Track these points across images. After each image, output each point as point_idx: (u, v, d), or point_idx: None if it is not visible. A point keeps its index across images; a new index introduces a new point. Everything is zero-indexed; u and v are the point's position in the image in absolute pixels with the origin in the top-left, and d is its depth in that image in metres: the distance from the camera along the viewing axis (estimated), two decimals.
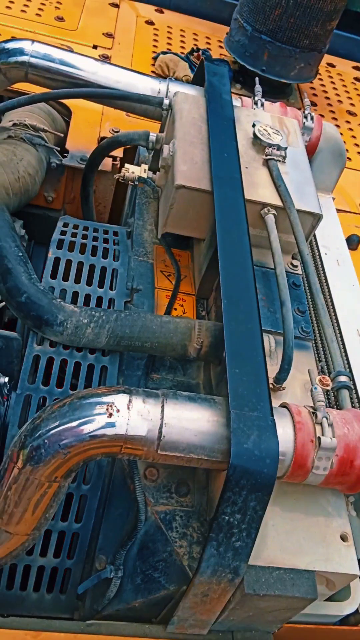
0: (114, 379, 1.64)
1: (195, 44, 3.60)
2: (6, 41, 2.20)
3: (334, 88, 3.74)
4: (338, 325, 1.93)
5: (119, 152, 2.60)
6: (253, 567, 1.28)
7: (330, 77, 3.84)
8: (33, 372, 1.62)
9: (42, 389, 1.57)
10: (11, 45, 2.18)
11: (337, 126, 3.21)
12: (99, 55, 3.18)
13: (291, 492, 1.39)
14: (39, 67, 2.16)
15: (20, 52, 2.17)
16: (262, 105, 2.25)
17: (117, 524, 1.53)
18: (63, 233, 1.99)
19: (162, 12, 3.81)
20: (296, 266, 1.97)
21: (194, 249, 2.09)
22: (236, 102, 2.27)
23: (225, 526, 1.17)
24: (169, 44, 3.52)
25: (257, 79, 2.38)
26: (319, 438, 1.25)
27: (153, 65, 3.26)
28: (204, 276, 1.87)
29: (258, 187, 1.85)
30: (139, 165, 2.32)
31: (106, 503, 1.55)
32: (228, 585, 1.25)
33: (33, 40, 2.19)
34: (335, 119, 3.47)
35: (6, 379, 1.65)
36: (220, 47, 3.65)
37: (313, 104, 3.54)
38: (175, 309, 1.90)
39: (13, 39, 2.22)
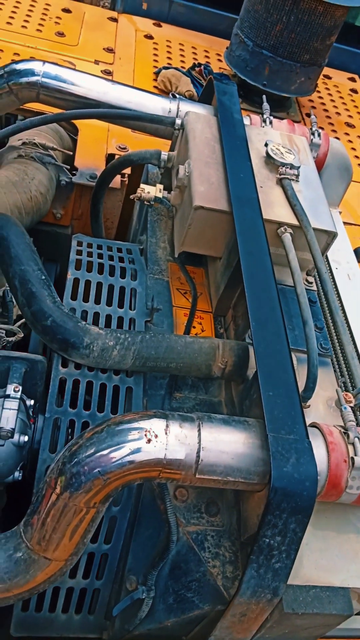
0: (140, 400, 1.66)
1: (194, 58, 3.64)
2: (17, 62, 2.22)
3: (332, 100, 3.79)
4: (353, 341, 1.97)
5: (127, 169, 2.62)
6: (290, 586, 1.30)
7: (327, 89, 3.90)
8: (60, 394, 1.63)
9: (70, 412, 1.59)
10: (22, 66, 2.20)
11: (337, 138, 3.27)
12: (101, 71, 3.20)
13: (322, 510, 1.42)
14: (51, 88, 2.17)
15: (32, 72, 2.18)
16: (271, 122, 2.29)
17: (147, 545, 1.54)
18: (79, 253, 2.00)
19: (160, 25, 3.85)
20: (311, 282, 2.01)
21: (209, 266, 2.12)
22: (245, 120, 2.30)
23: (265, 548, 1.20)
24: (169, 57, 3.56)
25: (264, 96, 2.42)
26: (352, 458, 1.28)
27: (155, 80, 3.28)
28: (222, 294, 1.90)
29: (274, 206, 1.88)
30: (147, 182, 2.35)
31: (135, 523, 1.56)
32: (266, 605, 1.28)
33: (44, 61, 2.21)
34: (334, 131, 3.52)
35: (32, 402, 1.66)
36: (219, 60, 3.70)
37: (308, 115, 3.59)
38: (194, 327, 1.92)
39: (24, 60, 2.23)
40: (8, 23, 3.33)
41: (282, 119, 2.55)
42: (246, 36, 3.13)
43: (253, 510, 1.36)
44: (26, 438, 1.58)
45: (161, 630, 1.55)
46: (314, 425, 1.39)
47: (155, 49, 3.62)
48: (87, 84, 2.20)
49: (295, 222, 1.86)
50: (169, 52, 3.63)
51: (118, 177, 2.55)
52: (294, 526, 1.18)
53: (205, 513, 1.51)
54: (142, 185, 2.04)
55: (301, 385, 1.58)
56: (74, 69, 2.27)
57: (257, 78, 3.16)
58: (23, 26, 3.36)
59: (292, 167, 1.98)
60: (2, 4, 3.47)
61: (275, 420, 1.24)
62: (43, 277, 1.69)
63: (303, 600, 1.29)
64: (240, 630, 1.37)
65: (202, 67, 3.25)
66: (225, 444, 1.26)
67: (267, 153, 2.01)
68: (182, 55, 3.65)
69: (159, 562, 1.50)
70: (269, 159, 2.01)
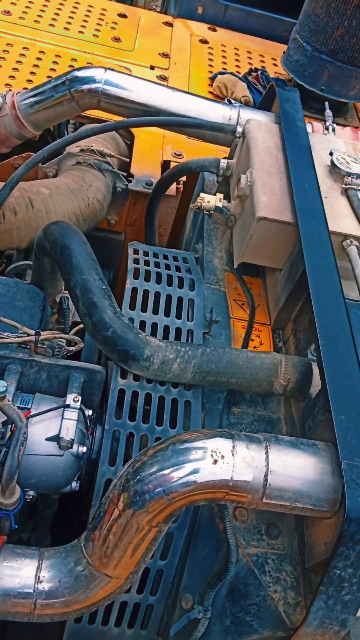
0: (198, 414, 1.63)
1: (249, 62, 3.60)
2: (78, 69, 2.23)
3: None
4: None
5: (183, 177, 2.59)
6: (358, 618, 1.25)
7: None
8: (118, 406, 1.61)
9: (129, 424, 1.57)
10: (84, 73, 2.20)
11: None
12: (157, 77, 3.19)
13: None
14: (112, 95, 2.17)
15: (93, 80, 2.18)
16: (334, 130, 2.23)
17: (203, 563, 1.51)
18: (136, 261, 1.99)
19: (214, 30, 3.82)
20: None
21: (267, 278, 2.08)
22: (307, 127, 2.25)
23: (336, 580, 1.15)
24: (224, 62, 3.52)
25: (326, 103, 2.36)
26: None
27: (210, 85, 3.26)
28: (282, 307, 1.85)
29: (339, 217, 1.82)
30: (203, 190, 2.32)
31: (192, 541, 1.53)
32: (333, 637, 1.23)
33: (106, 68, 2.21)
34: None
35: (90, 412, 1.65)
36: (275, 64, 3.64)
37: None
38: (252, 340, 1.88)
39: (85, 67, 2.23)
40: (65, 29, 3.37)
41: (340, 124, 2.48)
42: (305, 40, 3.06)
43: (319, 537, 1.31)
44: (84, 449, 1.57)
45: None
46: None
47: (210, 53, 3.59)
48: (147, 92, 2.19)
49: None
50: (224, 56, 3.59)
51: (174, 185, 2.53)
52: None
53: (266, 535, 1.46)
54: (201, 194, 2.01)
55: None
56: (134, 76, 2.26)
57: (315, 83, 3.10)
58: (80, 32, 3.39)
59: (358, 176, 1.92)
60: (59, 9, 3.50)
61: (349, 446, 1.19)
62: (104, 287, 1.68)
63: None
64: None
65: (259, 72, 3.20)
66: (294, 468, 1.22)
67: (331, 162, 1.96)
68: (237, 59, 3.61)
69: (216, 582, 1.46)
70: (333, 168, 1.95)
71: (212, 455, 1.22)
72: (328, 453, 1.25)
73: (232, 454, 1.22)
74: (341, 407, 1.26)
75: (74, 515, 2.13)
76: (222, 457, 1.22)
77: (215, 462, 1.21)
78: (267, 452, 1.23)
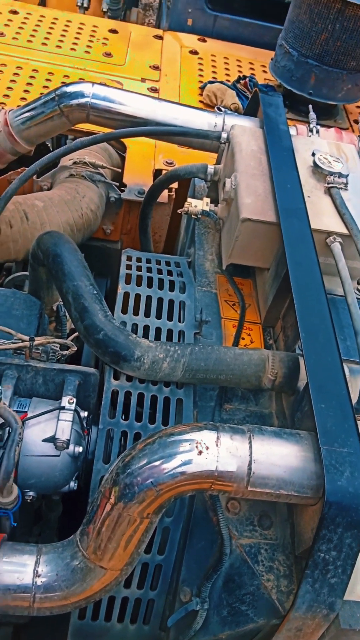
0: (190, 411, 1.68)
1: (239, 70, 3.67)
2: (67, 84, 2.30)
3: None
4: None
5: (174, 184, 2.66)
6: (347, 602, 1.28)
7: None
8: (112, 406, 1.66)
9: (122, 423, 1.62)
10: (72, 88, 2.28)
11: None
12: (148, 89, 3.27)
13: None
14: (100, 109, 2.24)
15: (81, 94, 2.26)
16: (318, 132, 2.28)
17: (200, 556, 1.55)
18: (129, 267, 2.05)
19: (204, 40, 3.90)
20: None
21: (256, 278, 2.12)
22: (291, 130, 2.30)
23: (320, 563, 1.18)
24: (214, 72, 3.60)
25: (310, 106, 2.41)
26: None
27: (201, 94, 3.33)
28: (270, 305, 1.90)
29: (322, 215, 1.87)
30: (194, 196, 2.38)
31: (188, 535, 1.57)
32: (322, 621, 1.26)
33: (93, 83, 2.28)
34: None
35: (85, 413, 1.71)
36: (264, 71, 3.70)
37: (356, 122, 3.54)
38: (243, 339, 1.92)
39: (74, 82, 2.31)
40: (58, 47, 3.46)
41: (330, 126, 2.53)
42: (291, 46, 3.13)
43: (307, 524, 1.34)
44: (80, 449, 1.62)
45: None
46: None
47: (200, 64, 3.67)
48: (134, 103, 2.26)
49: (344, 231, 1.84)
50: (213, 66, 3.67)
51: (165, 192, 2.59)
52: (349, 541, 1.16)
53: (258, 526, 1.50)
54: (189, 199, 2.07)
55: (354, 397, 1.56)
56: (122, 89, 2.34)
57: (303, 87, 3.16)
58: (72, 49, 3.48)
59: (340, 175, 1.97)
60: (51, 28, 3.60)
61: (328, 433, 1.23)
62: (95, 292, 1.74)
63: None
64: None
65: (247, 79, 3.27)
66: (277, 457, 1.26)
67: (314, 162, 2.01)
68: (226, 68, 3.68)
69: (212, 574, 1.50)
70: (316, 168, 2.00)
71: (197, 447, 1.26)
72: (310, 441, 1.29)
73: (217, 445, 1.27)
74: (321, 395, 1.30)
75: (80, 518, 2.18)
76: (207, 448, 1.26)
77: (200, 453, 1.26)
78: (250, 442, 1.28)
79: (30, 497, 1.59)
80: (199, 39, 3.90)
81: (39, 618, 2.13)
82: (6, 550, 1.39)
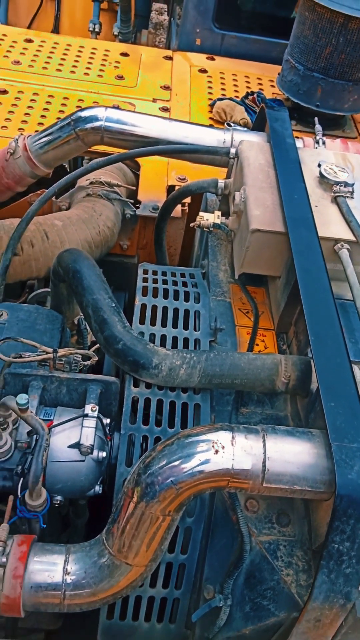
0: (208, 416, 1.75)
1: (247, 86, 3.77)
2: (81, 109, 2.42)
3: None
4: None
5: (187, 199, 2.75)
6: None
7: None
8: (132, 412, 1.74)
9: (143, 429, 1.70)
10: (86, 113, 2.40)
11: None
12: (159, 109, 3.39)
13: None
14: (113, 131, 2.35)
15: (95, 118, 2.37)
16: (324, 143, 2.35)
17: (221, 554, 1.61)
18: (145, 280, 2.14)
19: (213, 59, 4.02)
20: None
21: (269, 286, 2.19)
22: (298, 143, 2.38)
23: (335, 554, 1.24)
24: (222, 89, 3.71)
25: (316, 118, 2.49)
26: None
27: (210, 111, 3.43)
28: (282, 312, 1.97)
29: (330, 224, 1.94)
30: (206, 210, 2.47)
31: (209, 534, 1.64)
32: (340, 611, 1.31)
33: (106, 107, 2.40)
34: None
35: (108, 420, 1.79)
36: (272, 86, 3.80)
37: None
38: (257, 345, 1.99)
39: (88, 107, 2.43)
40: (72, 72, 3.61)
41: (338, 136, 2.61)
42: (297, 61, 3.22)
43: (322, 519, 1.40)
44: (104, 454, 1.70)
45: (240, 639, 1.60)
46: None
47: (209, 81, 3.78)
48: (146, 124, 2.37)
49: (352, 237, 1.90)
50: (222, 83, 3.78)
51: (179, 207, 2.69)
52: None
53: (277, 523, 1.56)
54: (201, 213, 2.16)
55: None
56: (134, 111, 2.46)
57: (309, 100, 3.24)
58: (85, 73, 3.63)
59: (346, 184, 2.04)
60: (65, 54, 3.76)
61: (338, 429, 1.29)
62: (113, 305, 1.83)
63: None
64: (316, 636, 1.40)
65: (255, 94, 3.37)
66: (290, 454, 1.32)
67: (320, 173, 2.08)
68: (235, 84, 3.79)
69: (234, 571, 1.56)
70: (322, 178, 2.07)
71: (213, 447, 1.33)
72: (322, 439, 1.35)
73: (232, 444, 1.34)
74: (330, 395, 1.37)
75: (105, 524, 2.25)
76: (223, 447, 1.33)
77: (217, 452, 1.33)
78: (264, 441, 1.34)
79: (58, 502, 1.67)
80: (207, 58, 4.02)
81: (68, 624, 2.21)
82: (37, 551, 1.47)
